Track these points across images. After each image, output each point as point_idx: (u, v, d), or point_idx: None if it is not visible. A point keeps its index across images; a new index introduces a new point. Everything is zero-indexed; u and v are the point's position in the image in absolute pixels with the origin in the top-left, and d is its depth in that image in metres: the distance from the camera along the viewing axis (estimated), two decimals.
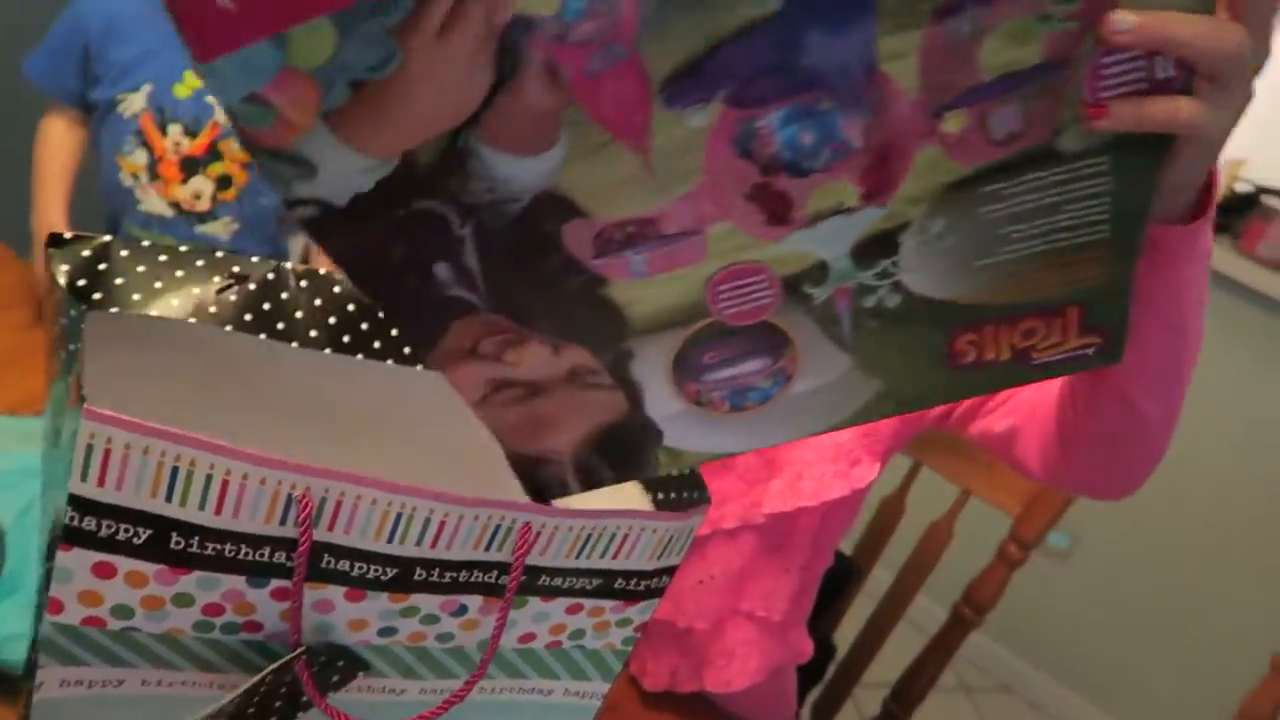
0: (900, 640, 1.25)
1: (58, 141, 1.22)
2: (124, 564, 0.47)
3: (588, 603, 0.59)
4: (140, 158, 1.21)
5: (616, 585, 0.58)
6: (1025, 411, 0.77)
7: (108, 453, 0.44)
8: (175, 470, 0.45)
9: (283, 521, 0.48)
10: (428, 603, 0.54)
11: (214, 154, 1.23)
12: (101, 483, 0.45)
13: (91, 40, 1.18)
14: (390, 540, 0.50)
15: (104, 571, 0.48)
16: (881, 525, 1.27)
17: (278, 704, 0.54)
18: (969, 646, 2.21)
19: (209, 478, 0.46)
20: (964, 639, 1.21)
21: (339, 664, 0.54)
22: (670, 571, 0.60)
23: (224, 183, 1.25)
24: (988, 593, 1.18)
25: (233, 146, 1.23)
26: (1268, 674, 1.16)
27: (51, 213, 1.20)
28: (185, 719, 0.53)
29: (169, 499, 0.46)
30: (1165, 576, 2.01)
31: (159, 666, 0.52)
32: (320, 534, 0.48)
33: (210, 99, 1.19)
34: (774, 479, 0.87)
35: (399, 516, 0.49)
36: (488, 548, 0.52)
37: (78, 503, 0.45)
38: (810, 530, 0.90)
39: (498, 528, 0.51)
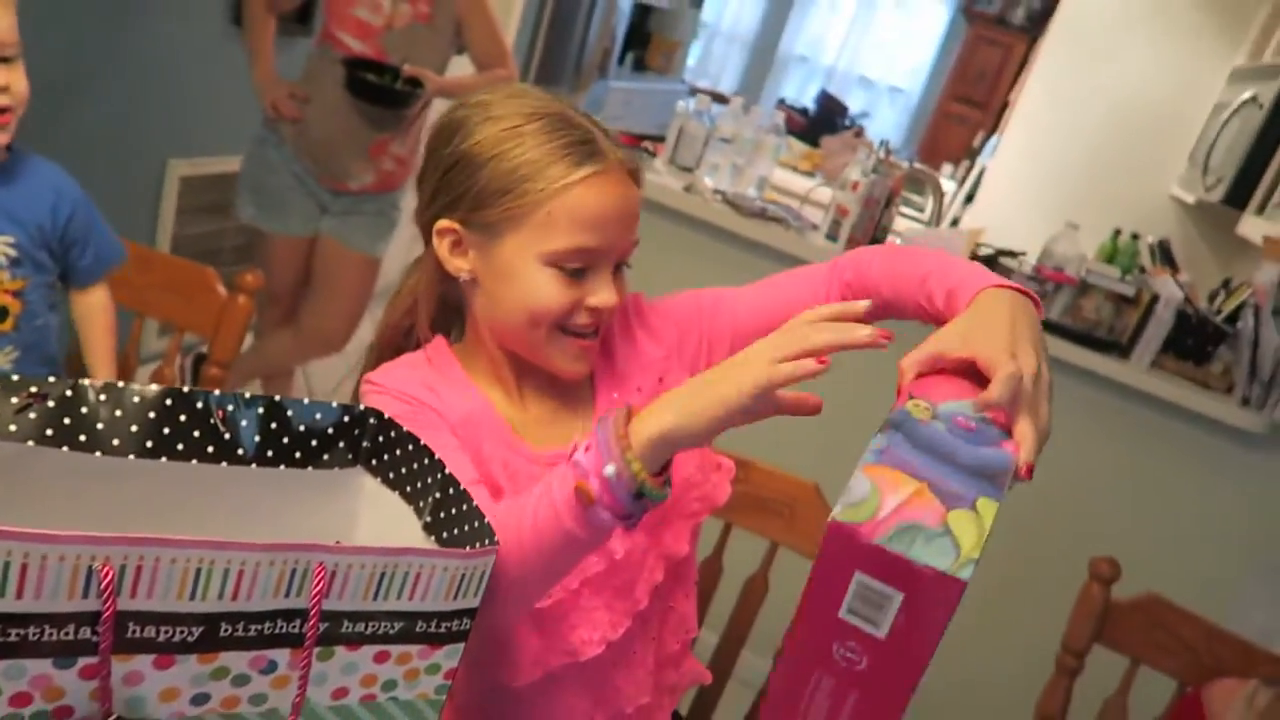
0: (731, 699, 1.32)
1: None
2: None
3: (394, 649, 0.64)
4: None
5: (418, 628, 0.64)
6: None
7: None
8: None
9: (85, 595, 0.51)
10: (237, 661, 0.58)
11: None
12: None
13: None
14: (193, 597, 0.54)
15: None
16: (703, 589, 1.36)
17: None
18: None
19: (6, 565, 0.49)
20: None
21: None
22: (469, 614, 0.66)
23: (0, 314, 1.26)
24: None
25: (2, 279, 1.25)
26: (1053, 674, 1.30)
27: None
28: None
29: None
30: (960, 606, 2.17)
31: None
32: (124, 603, 0.53)
33: None
34: (718, 474, 0.97)
35: (199, 572, 0.54)
36: (287, 593, 0.57)
37: None
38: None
39: (294, 571, 0.57)
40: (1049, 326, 1.96)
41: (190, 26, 2.48)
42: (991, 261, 2.02)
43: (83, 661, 0.53)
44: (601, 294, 0.86)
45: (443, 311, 0.95)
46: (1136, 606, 1.29)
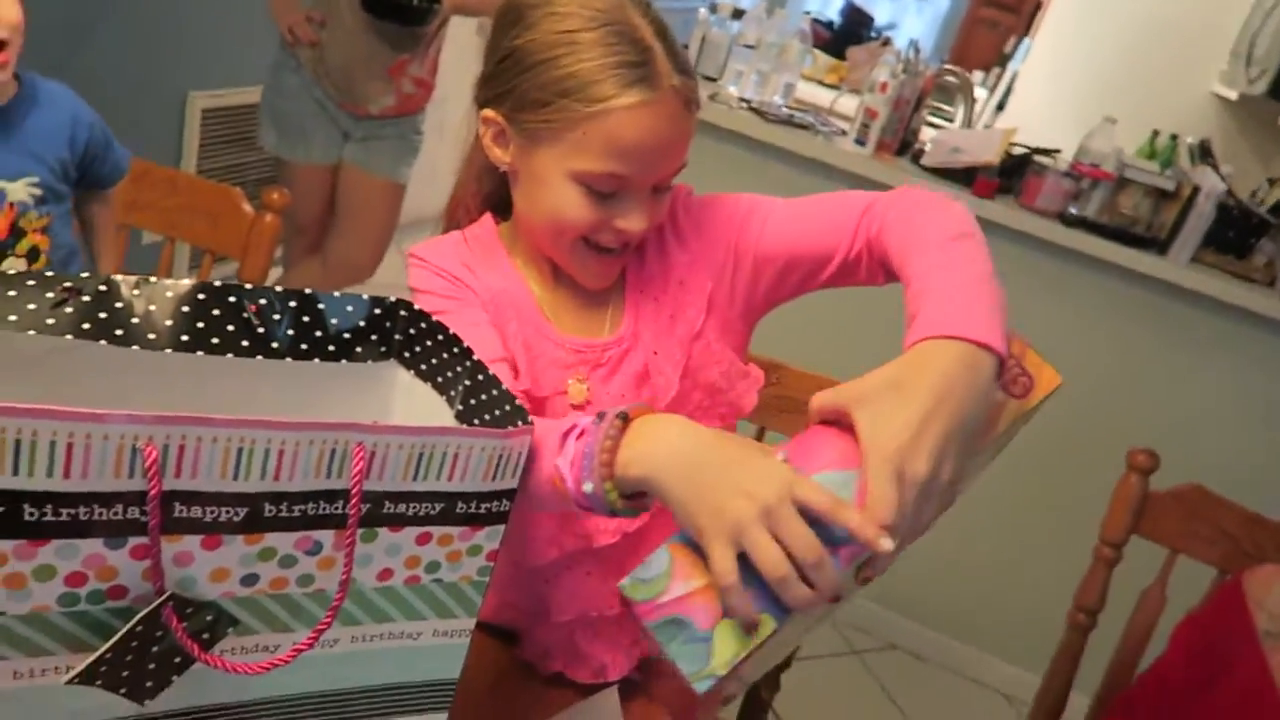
0: None
1: None
2: None
3: (435, 530, 0.65)
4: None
5: (458, 509, 0.65)
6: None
7: None
8: (18, 443, 0.49)
9: (130, 475, 0.52)
10: (282, 542, 0.59)
11: (17, 233, 1.25)
12: None
13: None
14: (236, 477, 0.55)
15: None
16: None
17: (152, 665, 0.58)
18: (851, 613, 2.34)
19: (52, 444, 0.50)
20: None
21: (208, 617, 0.59)
22: (508, 495, 0.67)
23: (33, 255, 1.27)
24: None
25: (31, 219, 1.26)
26: (1091, 565, 1.30)
27: None
28: (60, 708, 0.55)
29: (15, 472, 0.49)
30: (1000, 502, 2.19)
31: (29, 654, 0.55)
32: (169, 483, 0.53)
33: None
34: None
35: (240, 452, 0.55)
36: (328, 474, 0.58)
37: None
38: None
39: (334, 451, 0.57)
40: (1086, 224, 1.92)
41: None
42: (1026, 161, 1.97)
43: (133, 541, 0.54)
44: (631, 218, 0.84)
45: (497, 188, 0.95)
46: (1175, 497, 1.28)
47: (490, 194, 0.96)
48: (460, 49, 2.51)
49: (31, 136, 1.25)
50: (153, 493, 0.53)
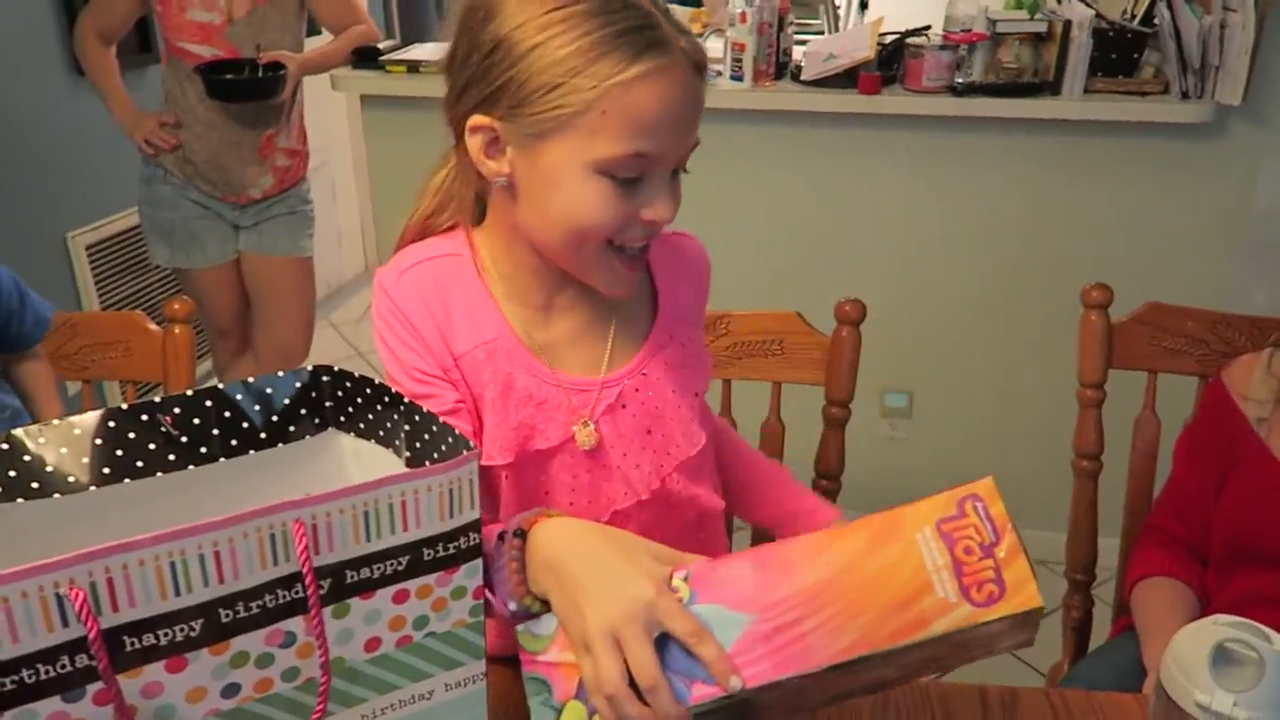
0: None
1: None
2: None
3: (410, 584, 0.62)
4: None
5: (425, 557, 0.62)
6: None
7: None
8: None
9: (65, 624, 0.49)
10: (252, 643, 0.56)
11: None
12: None
13: None
14: (178, 593, 0.52)
15: None
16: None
17: None
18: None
19: None
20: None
21: None
22: (474, 527, 0.64)
23: None
24: (831, 458, 1.26)
25: None
26: (1079, 410, 1.30)
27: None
28: None
29: None
30: (980, 380, 2.19)
31: None
32: (108, 619, 0.50)
33: None
34: None
35: (174, 566, 0.52)
36: (275, 561, 0.55)
37: None
38: None
39: (273, 536, 0.54)
40: (975, 89, 1.92)
41: (33, 91, 2.37)
42: (900, 47, 1.97)
43: (91, 689, 0.51)
44: (658, 205, 0.76)
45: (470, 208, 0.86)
46: (1138, 320, 1.28)
47: (462, 216, 0.87)
48: (322, 108, 2.46)
49: None
50: (92, 635, 0.49)
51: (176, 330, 1.37)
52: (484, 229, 0.86)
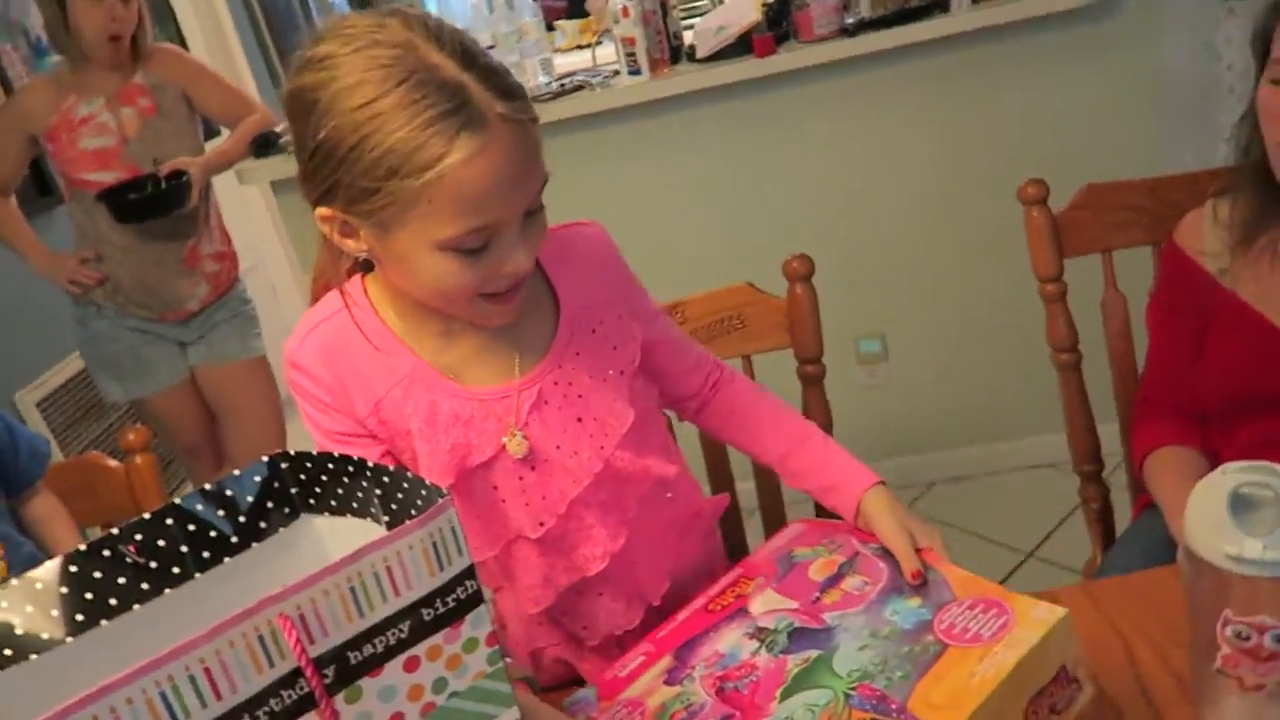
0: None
1: None
2: None
3: (418, 650, 0.59)
4: None
5: (426, 617, 0.59)
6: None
7: None
8: None
9: None
10: None
11: None
12: None
13: None
14: None
15: None
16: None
17: None
18: (878, 472, 2.33)
19: None
20: None
21: None
22: (469, 574, 0.61)
23: None
24: (816, 416, 1.25)
25: None
26: (1045, 307, 1.30)
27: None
28: None
29: None
30: (947, 305, 2.19)
31: None
32: None
33: None
34: None
35: (164, 695, 0.49)
36: (271, 664, 0.53)
37: None
38: None
39: (261, 639, 0.52)
40: (867, 25, 1.92)
41: None
42: (785, 3, 1.97)
43: None
44: (515, 258, 0.77)
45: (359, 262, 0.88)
46: (1077, 206, 1.28)
47: (354, 266, 0.88)
48: (241, 209, 2.44)
49: None
50: None
51: (138, 460, 1.34)
52: (373, 276, 0.88)
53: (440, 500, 0.60)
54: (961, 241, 2.13)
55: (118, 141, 2.07)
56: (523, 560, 0.92)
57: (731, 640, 0.81)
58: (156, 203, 2.05)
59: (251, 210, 2.68)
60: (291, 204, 2.14)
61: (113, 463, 1.36)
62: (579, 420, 0.88)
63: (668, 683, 0.79)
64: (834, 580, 0.84)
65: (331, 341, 0.86)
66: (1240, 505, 0.62)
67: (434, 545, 0.59)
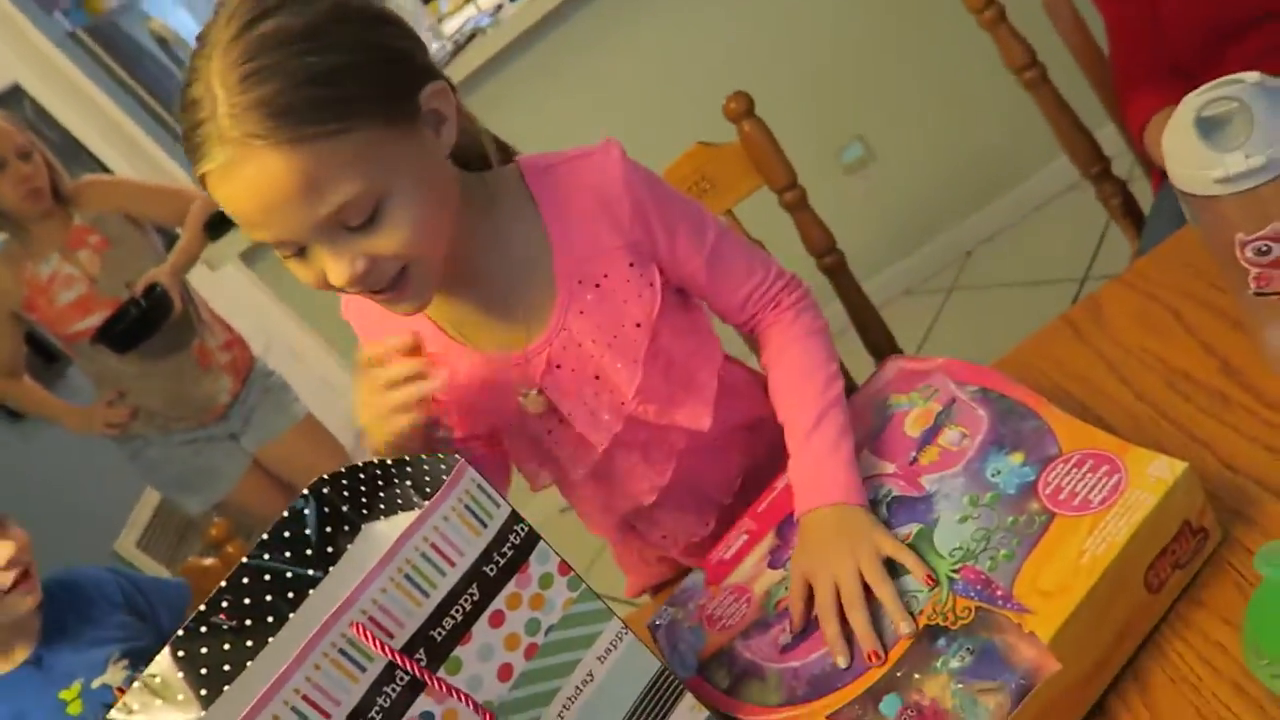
0: None
1: None
2: None
3: (496, 604, 0.60)
4: None
5: (490, 572, 0.60)
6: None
7: None
8: None
9: None
10: None
11: None
12: None
13: None
14: None
15: None
16: None
17: None
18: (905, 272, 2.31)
19: None
20: (850, 278, 1.24)
21: None
22: (515, 520, 0.62)
23: None
24: (814, 237, 1.22)
25: None
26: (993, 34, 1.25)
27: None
28: None
29: None
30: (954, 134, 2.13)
31: None
32: None
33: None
34: None
35: None
36: (362, 669, 0.55)
37: None
38: None
39: (342, 651, 0.54)
40: None
41: None
42: None
43: None
44: (332, 272, 0.71)
45: None
46: None
47: None
48: (229, 299, 2.46)
49: (82, 625, 1.19)
50: None
51: (230, 550, 1.39)
52: None
53: (456, 466, 0.60)
54: (897, 12, 2.05)
55: (88, 285, 2.10)
56: (579, 489, 0.94)
57: None
58: (145, 322, 2.08)
59: (237, 298, 2.71)
60: (267, 268, 2.16)
61: (209, 561, 1.40)
62: (596, 378, 0.85)
63: (771, 565, 0.78)
64: (931, 434, 0.77)
65: (364, 303, 0.80)
66: (1209, 127, 0.59)
67: (467, 509, 0.60)
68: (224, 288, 2.46)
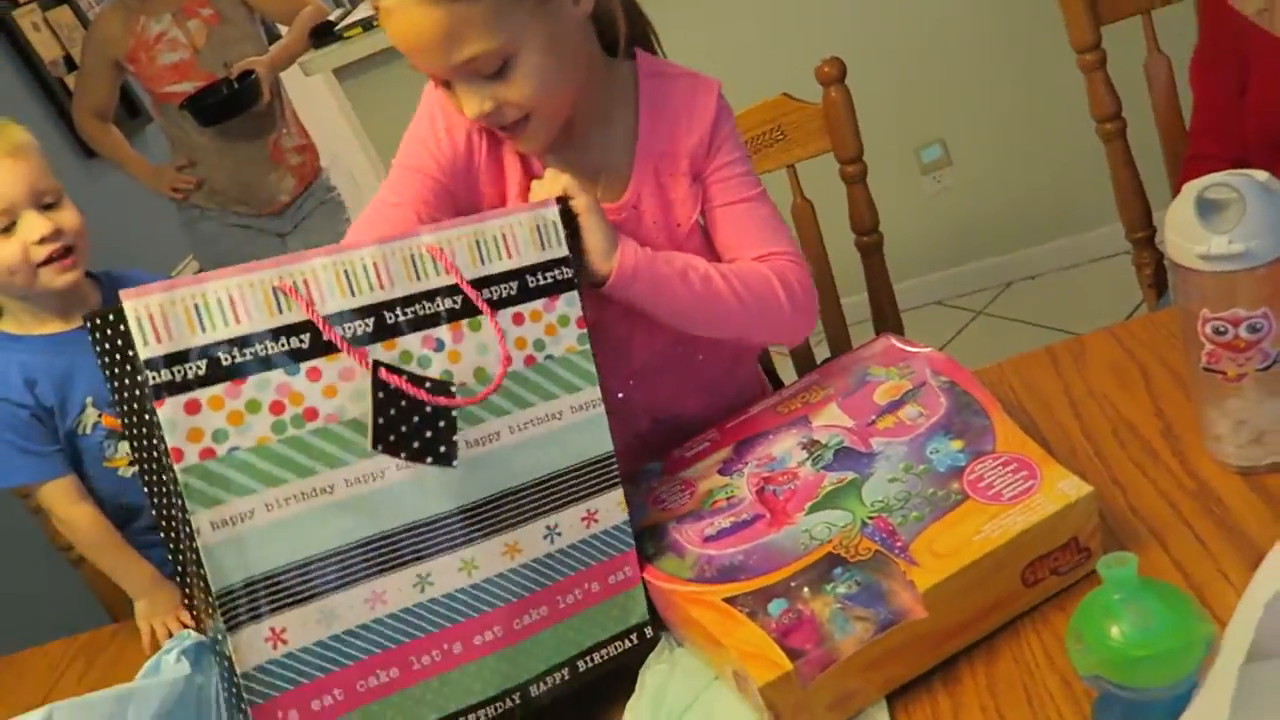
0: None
1: (87, 518, 1.17)
2: (201, 394, 0.65)
3: (522, 308, 0.76)
4: (124, 448, 1.21)
5: (530, 284, 0.77)
6: None
7: (151, 317, 0.64)
8: (197, 306, 0.65)
9: (280, 311, 0.67)
10: (412, 344, 0.72)
11: None
12: (158, 339, 0.64)
13: (28, 405, 1.15)
14: (352, 294, 0.70)
15: (192, 407, 0.65)
16: None
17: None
18: (956, 283, 2.36)
19: (219, 300, 0.66)
20: (882, 262, 1.32)
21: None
22: (565, 262, 0.78)
23: None
24: (862, 215, 1.29)
25: None
26: (1085, 81, 1.29)
27: (138, 567, 1.17)
28: (314, 536, 0.68)
29: (203, 329, 0.65)
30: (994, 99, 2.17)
31: (269, 485, 0.67)
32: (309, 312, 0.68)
33: None
34: None
35: (346, 272, 0.69)
36: (418, 277, 0.72)
37: (150, 364, 0.64)
38: None
39: (413, 257, 0.72)
40: None
41: None
42: None
43: (305, 365, 0.68)
44: (465, 106, 0.85)
45: None
46: None
47: None
48: (309, 108, 2.54)
49: None
50: (313, 317, 0.68)
51: None
52: None
53: (550, 203, 0.79)
54: (1007, 31, 2.08)
55: (190, 53, 2.19)
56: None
57: (785, 446, 0.87)
58: (233, 103, 2.18)
59: (318, 110, 2.79)
60: (356, 88, 2.24)
61: None
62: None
63: (720, 472, 0.88)
64: (894, 406, 0.86)
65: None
66: (1207, 208, 0.66)
67: (538, 228, 0.77)
68: (310, 95, 2.54)
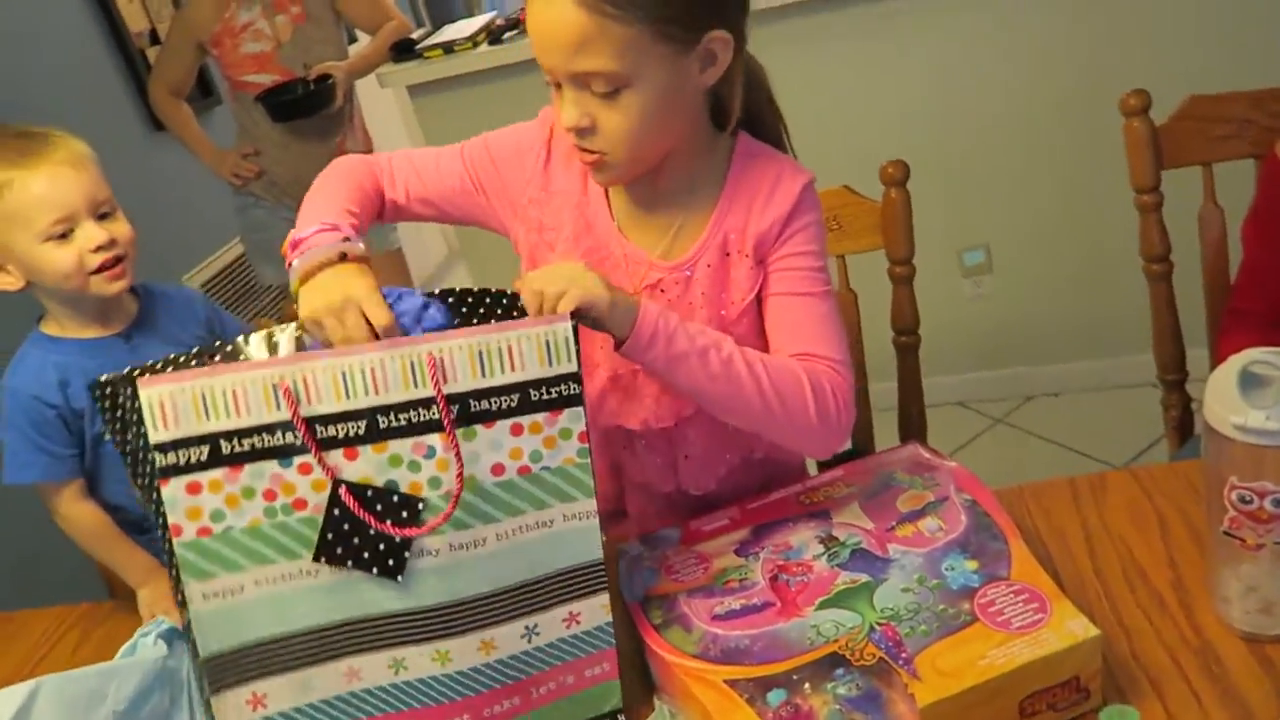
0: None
1: (87, 515, 1.18)
2: (202, 476, 0.70)
3: (523, 420, 0.76)
4: None
5: (533, 397, 0.75)
6: None
7: (162, 404, 0.69)
8: (204, 396, 0.70)
9: (278, 408, 0.71)
10: (403, 449, 0.73)
11: None
12: (165, 425, 0.69)
13: (56, 405, 1.15)
14: (348, 396, 0.72)
15: (193, 488, 0.70)
16: None
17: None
18: (977, 389, 2.38)
19: (224, 393, 0.70)
20: (916, 364, 1.34)
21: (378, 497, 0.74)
22: (572, 378, 0.76)
23: None
24: (904, 314, 1.32)
25: None
26: (1139, 218, 1.32)
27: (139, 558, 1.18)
28: (297, 612, 0.73)
29: (208, 418, 0.70)
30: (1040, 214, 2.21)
31: (259, 563, 0.72)
32: (305, 409, 0.71)
33: None
34: None
35: (344, 375, 0.72)
36: (415, 384, 0.73)
37: (159, 447, 0.69)
38: None
39: (411, 363, 0.72)
40: None
41: (116, 153, 2.58)
42: None
43: (297, 460, 0.72)
44: (563, 113, 0.87)
45: None
46: (1180, 117, 1.29)
47: None
48: (375, 111, 2.60)
49: (170, 324, 1.27)
50: (295, 419, 0.71)
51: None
52: None
53: (562, 317, 0.76)
54: (1068, 155, 2.12)
55: (273, 46, 2.25)
56: (597, 368, 0.99)
57: (803, 537, 0.89)
58: (306, 103, 2.23)
59: (383, 115, 2.85)
60: (426, 106, 2.29)
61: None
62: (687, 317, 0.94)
63: (737, 552, 0.89)
64: (915, 515, 0.88)
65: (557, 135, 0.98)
66: (1249, 381, 0.69)
67: (546, 344, 0.75)
68: (380, 107, 2.61)
